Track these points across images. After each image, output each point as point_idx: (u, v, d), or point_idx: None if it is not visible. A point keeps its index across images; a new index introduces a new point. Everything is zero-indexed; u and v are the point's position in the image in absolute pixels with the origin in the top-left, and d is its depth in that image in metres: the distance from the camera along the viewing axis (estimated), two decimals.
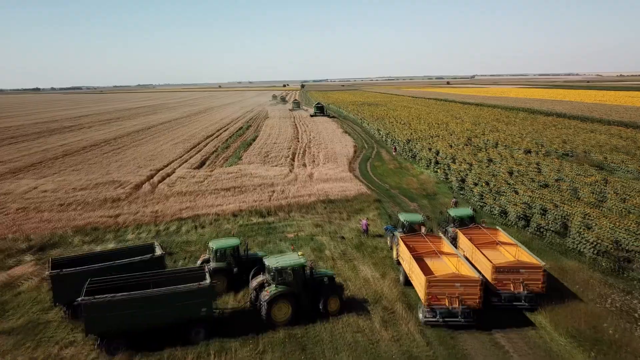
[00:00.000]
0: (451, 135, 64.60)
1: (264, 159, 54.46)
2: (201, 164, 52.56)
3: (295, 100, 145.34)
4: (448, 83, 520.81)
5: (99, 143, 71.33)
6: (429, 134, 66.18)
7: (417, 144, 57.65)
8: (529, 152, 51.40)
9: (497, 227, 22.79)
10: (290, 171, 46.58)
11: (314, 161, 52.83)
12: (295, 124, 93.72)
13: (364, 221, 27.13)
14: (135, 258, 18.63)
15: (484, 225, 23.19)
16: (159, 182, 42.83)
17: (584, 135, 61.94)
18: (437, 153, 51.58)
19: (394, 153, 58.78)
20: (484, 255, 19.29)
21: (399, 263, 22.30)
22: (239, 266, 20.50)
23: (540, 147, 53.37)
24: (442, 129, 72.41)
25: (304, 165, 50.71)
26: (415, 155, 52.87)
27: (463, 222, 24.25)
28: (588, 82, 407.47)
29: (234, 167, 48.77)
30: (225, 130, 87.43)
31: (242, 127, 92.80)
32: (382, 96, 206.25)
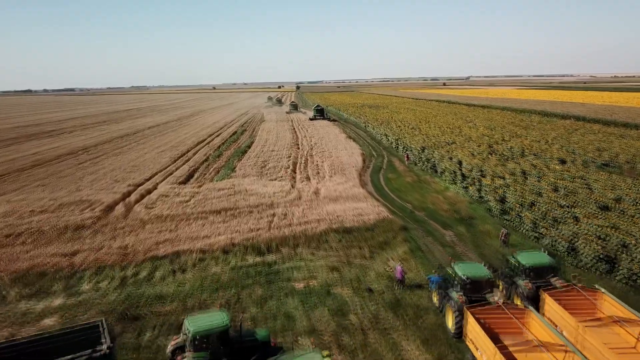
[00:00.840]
0: (468, 141, 58.09)
1: (260, 170, 47.60)
2: (188, 177, 45.55)
3: (293, 102, 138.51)
4: (444, 84, 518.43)
5: (77, 151, 64.05)
6: (443, 140, 59.63)
7: (434, 152, 51.02)
8: (564, 162, 45.02)
9: (598, 287, 16.06)
10: (292, 187, 39.78)
11: (318, 173, 46.04)
12: (294, 128, 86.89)
13: (399, 267, 20.32)
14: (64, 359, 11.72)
15: (578, 283, 16.42)
16: (136, 202, 35.82)
17: (617, 141, 55.68)
18: (460, 164, 45.02)
19: (406, 162, 52.24)
20: (601, 343, 12.63)
21: (458, 336, 15.66)
22: (229, 355, 13.71)
23: (573, 156, 47.07)
24: (456, 134, 65.94)
25: (308, 178, 43.90)
26: (436, 166, 46.23)
27: (539, 274, 17.60)
28: (585, 83, 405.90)
29: (226, 182, 41.86)
30: (217, 136, 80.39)
31: (236, 132, 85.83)
32: (381, 98, 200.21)
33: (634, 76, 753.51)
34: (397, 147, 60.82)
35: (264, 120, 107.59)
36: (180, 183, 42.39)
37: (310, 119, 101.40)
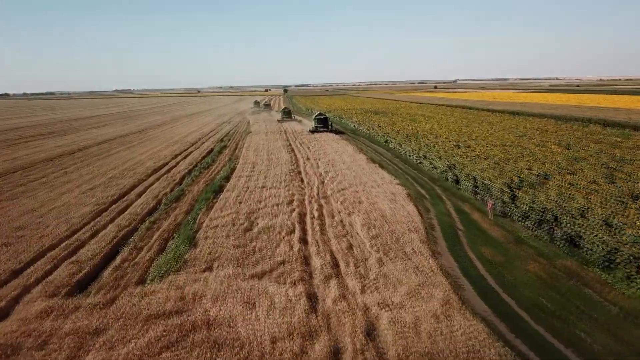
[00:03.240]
0: (565, 172, 37.43)
1: (242, 243, 25.79)
2: (103, 264, 23.58)
3: (285, 108, 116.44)
4: (435, 87, 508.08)
5: None
6: (524, 169, 38.84)
7: (536, 196, 30.03)
8: None
9: None
10: (311, 306, 18.15)
11: (351, 247, 24.58)
12: (291, 146, 65.21)
13: None
14: None
15: None
16: None
17: None
18: (610, 227, 24.28)
19: (490, 213, 31.28)
20: None
21: None
22: None
23: None
24: (528, 156, 45.28)
25: (336, 266, 22.31)
26: (573, 239, 25.05)
27: None
28: (578, 86, 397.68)
29: (169, 287, 19.90)
30: (185, 157, 58.28)
31: (212, 150, 63.93)
32: (379, 102, 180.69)
33: (619, 79, 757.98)
34: (458, 181, 39.70)
35: (250, 132, 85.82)
36: (73, 290, 20.33)
37: (311, 132, 79.58)
